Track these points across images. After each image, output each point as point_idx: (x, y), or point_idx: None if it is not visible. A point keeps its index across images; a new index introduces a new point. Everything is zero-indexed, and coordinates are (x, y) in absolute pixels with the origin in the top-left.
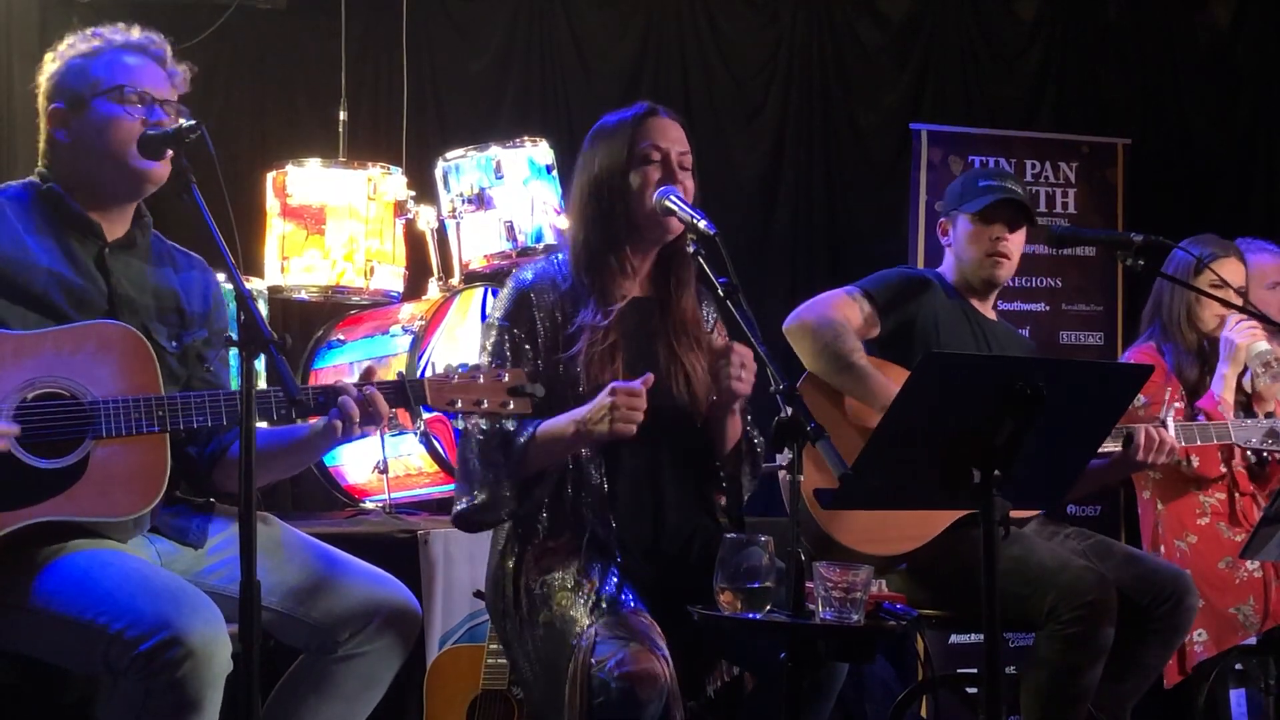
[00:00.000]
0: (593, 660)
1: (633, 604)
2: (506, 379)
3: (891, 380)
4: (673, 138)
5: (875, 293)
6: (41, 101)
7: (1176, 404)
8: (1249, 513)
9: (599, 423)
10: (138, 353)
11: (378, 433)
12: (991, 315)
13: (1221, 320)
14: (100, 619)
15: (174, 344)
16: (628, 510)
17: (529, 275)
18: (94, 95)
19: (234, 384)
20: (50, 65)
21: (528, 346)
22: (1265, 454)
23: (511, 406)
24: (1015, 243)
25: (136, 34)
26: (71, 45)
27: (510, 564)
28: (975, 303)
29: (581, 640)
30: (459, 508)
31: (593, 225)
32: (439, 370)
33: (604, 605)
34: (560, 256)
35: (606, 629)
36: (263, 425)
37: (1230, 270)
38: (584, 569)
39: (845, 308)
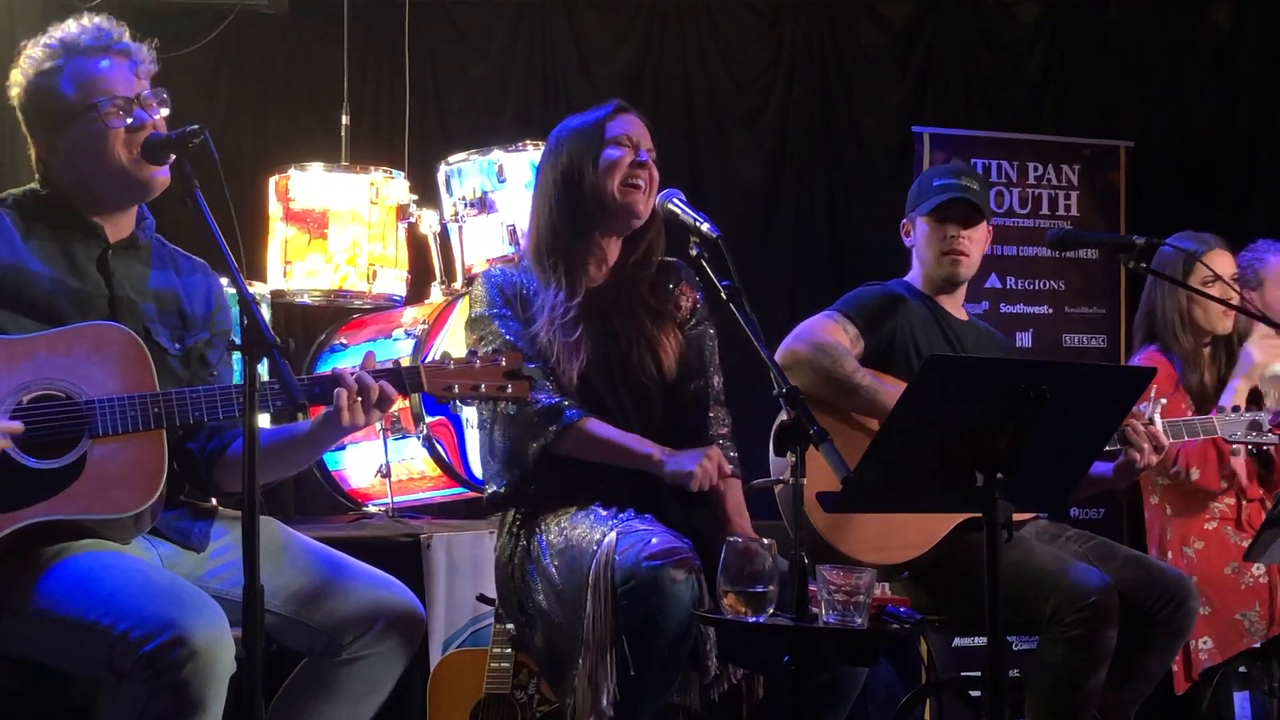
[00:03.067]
0: (616, 552)
1: (652, 521)
2: (504, 363)
3: (899, 389)
4: (640, 132)
5: (854, 314)
6: (22, 123)
7: (1163, 401)
8: (1255, 519)
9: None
10: (131, 351)
11: (380, 435)
12: (962, 315)
13: (1226, 318)
14: (103, 620)
15: (176, 346)
16: (612, 485)
17: (496, 272)
18: (72, 117)
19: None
20: (17, 82)
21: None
22: (1250, 447)
23: (510, 390)
24: (973, 239)
25: (89, 25)
26: (30, 59)
27: (522, 527)
28: (945, 303)
29: (601, 545)
30: (491, 490)
31: (560, 212)
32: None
33: (623, 518)
34: (523, 262)
35: (628, 526)
36: (265, 423)
37: (1219, 262)
38: (599, 509)
39: (833, 331)
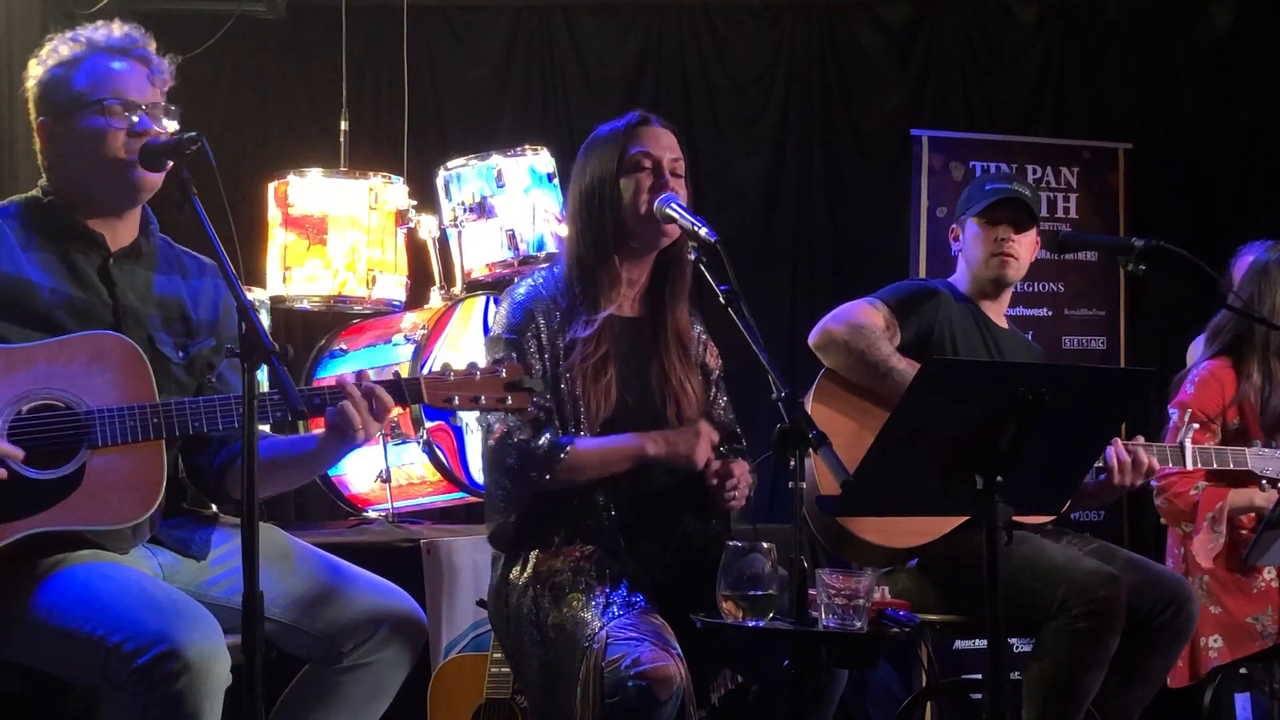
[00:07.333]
0: (605, 661)
1: (644, 605)
2: (504, 374)
3: None
4: (664, 145)
5: (893, 302)
6: (31, 111)
7: (1195, 425)
8: None
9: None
10: (132, 361)
11: (380, 441)
12: (1003, 322)
13: None
14: (99, 632)
15: (180, 354)
16: (632, 531)
17: (524, 291)
18: (77, 109)
19: None
20: (35, 73)
21: (535, 359)
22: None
23: (510, 402)
24: (1022, 243)
25: (117, 31)
26: (53, 50)
27: (516, 572)
28: (988, 308)
29: (594, 643)
30: (492, 526)
31: (584, 235)
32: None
33: (616, 608)
34: (557, 270)
35: (619, 630)
36: (270, 432)
37: None
38: (596, 573)
39: (870, 315)
